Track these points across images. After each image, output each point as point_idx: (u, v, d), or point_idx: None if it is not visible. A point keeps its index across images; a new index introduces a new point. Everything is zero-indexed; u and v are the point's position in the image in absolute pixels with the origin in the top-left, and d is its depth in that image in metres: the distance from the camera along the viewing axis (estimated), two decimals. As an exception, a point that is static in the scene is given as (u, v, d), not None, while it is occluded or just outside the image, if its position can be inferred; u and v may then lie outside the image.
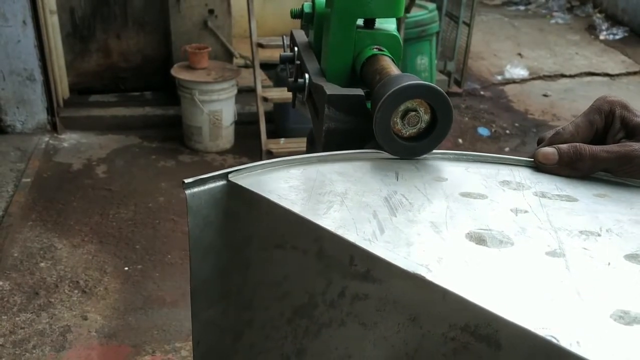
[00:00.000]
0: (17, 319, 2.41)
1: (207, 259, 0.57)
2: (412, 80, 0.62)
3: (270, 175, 0.58)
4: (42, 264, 2.73)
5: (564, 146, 0.63)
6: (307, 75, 0.76)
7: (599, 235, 0.51)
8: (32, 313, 2.45)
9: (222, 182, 0.55)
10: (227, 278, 0.58)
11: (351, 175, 0.60)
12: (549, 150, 0.63)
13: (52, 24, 3.92)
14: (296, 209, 0.51)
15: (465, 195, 0.57)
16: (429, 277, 0.44)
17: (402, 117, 0.62)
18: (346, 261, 0.47)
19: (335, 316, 0.51)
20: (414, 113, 0.62)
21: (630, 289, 0.44)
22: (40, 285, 2.60)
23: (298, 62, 0.84)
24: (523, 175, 0.63)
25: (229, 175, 0.55)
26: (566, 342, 0.37)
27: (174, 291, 2.62)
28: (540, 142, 0.67)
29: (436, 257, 0.46)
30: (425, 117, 0.63)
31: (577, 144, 0.63)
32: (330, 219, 0.50)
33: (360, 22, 0.76)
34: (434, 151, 0.65)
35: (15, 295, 2.54)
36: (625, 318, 0.41)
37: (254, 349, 0.59)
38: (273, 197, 0.53)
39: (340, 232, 0.49)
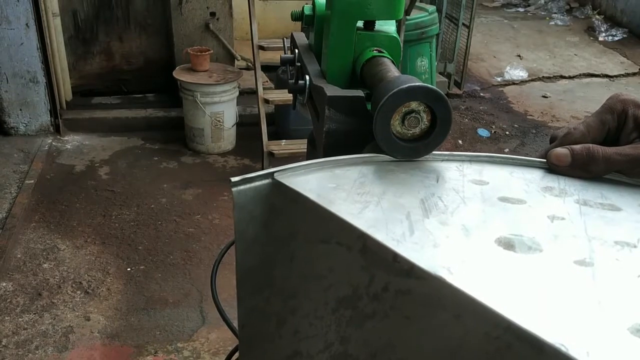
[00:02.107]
0: (20, 319, 2.43)
1: (252, 250, 0.58)
2: (412, 82, 0.62)
3: (315, 174, 0.59)
4: (45, 265, 2.74)
5: (577, 147, 0.61)
6: (307, 77, 0.77)
7: (635, 246, 0.50)
8: (35, 314, 2.46)
9: (267, 181, 0.56)
10: (271, 268, 0.59)
11: (393, 176, 0.60)
12: (562, 151, 0.61)
13: (55, 26, 3.93)
14: (333, 208, 0.52)
15: (504, 200, 0.56)
16: (449, 279, 0.43)
17: (402, 119, 0.63)
18: (389, 258, 0.47)
19: (379, 309, 0.51)
20: (413, 115, 0.62)
21: None
22: (43, 286, 2.61)
23: (298, 64, 0.85)
24: (569, 181, 0.61)
25: (275, 174, 0.57)
26: (575, 351, 0.37)
27: (176, 292, 2.64)
28: (553, 141, 0.65)
29: (460, 259, 0.46)
30: (425, 119, 0.63)
31: (590, 145, 0.61)
32: (363, 219, 0.51)
33: (360, 24, 0.76)
34: (479, 154, 0.64)
35: (18, 296, 2.55)
36: None
37: (298, 335, 0.60)
38: (312, 196, 0.54)
39: (370, 231, 0.49)
